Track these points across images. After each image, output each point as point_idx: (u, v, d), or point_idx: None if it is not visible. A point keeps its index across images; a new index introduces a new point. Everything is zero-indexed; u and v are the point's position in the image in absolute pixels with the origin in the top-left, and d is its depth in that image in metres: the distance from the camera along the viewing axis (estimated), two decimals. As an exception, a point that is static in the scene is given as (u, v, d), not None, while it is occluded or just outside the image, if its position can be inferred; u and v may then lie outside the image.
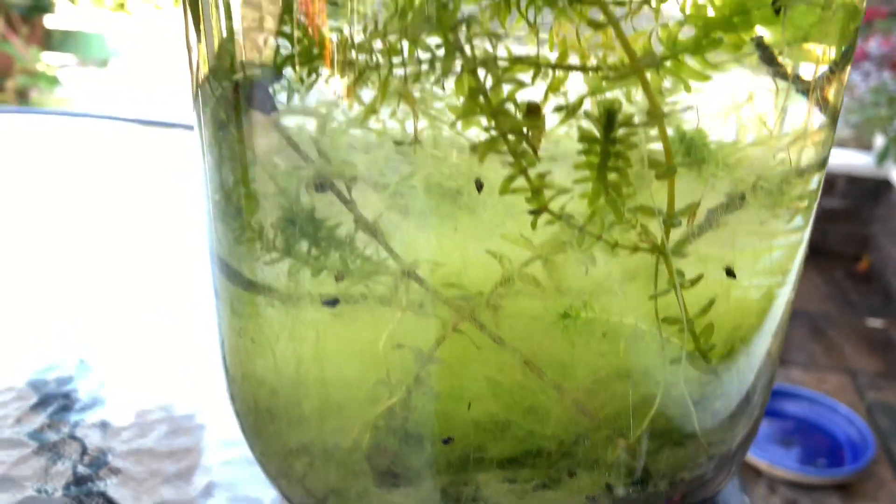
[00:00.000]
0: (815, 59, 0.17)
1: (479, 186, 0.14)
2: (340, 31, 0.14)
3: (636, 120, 0.14)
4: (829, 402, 1.48)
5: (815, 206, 0.19)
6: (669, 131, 0.14)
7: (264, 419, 0.21)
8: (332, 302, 0.17)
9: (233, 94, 0.16)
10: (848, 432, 1.42)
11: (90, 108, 2.22)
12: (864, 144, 2.39)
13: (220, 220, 0.19)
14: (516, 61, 0.13)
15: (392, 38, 0.13)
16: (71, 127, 0.64)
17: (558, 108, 0.13)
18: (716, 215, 0.16)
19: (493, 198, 0.15)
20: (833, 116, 0.18)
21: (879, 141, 2.17)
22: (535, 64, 0.14)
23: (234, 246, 0.19)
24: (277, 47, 0.14)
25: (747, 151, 0.16)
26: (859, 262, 2.25)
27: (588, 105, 0.14)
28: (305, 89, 0.14)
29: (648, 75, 0.14)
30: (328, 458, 0.20)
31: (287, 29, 0.14)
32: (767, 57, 0.16)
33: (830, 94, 0.18)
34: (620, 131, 0.13)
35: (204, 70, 0.16)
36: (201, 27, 0.16)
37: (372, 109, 0.14)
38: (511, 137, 0.13)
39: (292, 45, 0.14)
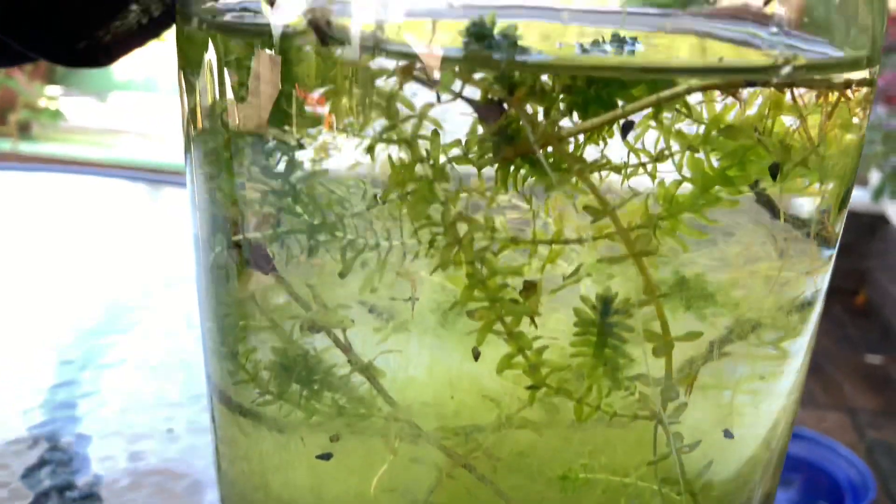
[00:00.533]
0: (814, 199, 0.17)
1: (476, 355, 0.14)
2: (342, 203, 0.14)
3: (633, 299, 0.14)
4: (830, 443, 1.47)
5: (814, 331, 0.19)
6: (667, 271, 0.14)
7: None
8: (326, 456, 0.17)
9: (233, 253, 0.16)
10: (849, 474, 1.41)
11: (91, 145, 2.23)
12: (860, 180, 2.40)
13: (215, 354, 0.19)
14: (512, 241, 0.14)
15: (391, 220, 0.13)
16: (65, 183, 0.64)
17: (554, 291, 0.13)
18: (715, 355, 0.16)
19: (489, 358, 0.15)
20: (834, 244, 0.18)
21: (875, 177, 2.18)
22: (532, 242, 0.14)
23: (227, 377, 0.19)
24: (274, 216, 0.15)
25: (747, 290, 0.16)
26: (857, 296, 2.25)
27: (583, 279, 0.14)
28: (306, 256, 0.15)
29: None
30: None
31: (278, 200, 0.14)
32: (766, 202, 0.16)
33: (831, 229, 0.18)
34: (616, 316, 0.13)
35: (202, 233, 0.16)
36: (194, 192, 0.16)
37: (370, 285, 0.14)
38: (508, 321, 0.13)
39: (289, 216, 0.14)
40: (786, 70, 0.13)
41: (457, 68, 0.12)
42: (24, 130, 1.97)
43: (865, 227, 2.23)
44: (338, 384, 0.17)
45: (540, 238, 0.14)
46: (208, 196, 0.17)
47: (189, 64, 0.16)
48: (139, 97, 2.32)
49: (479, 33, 0.12)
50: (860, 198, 2.29)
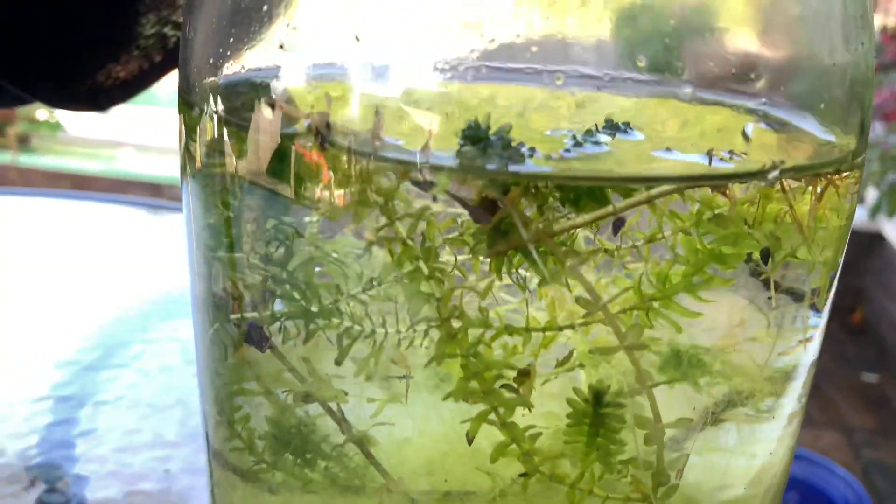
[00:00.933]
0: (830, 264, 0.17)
1: (470, 441, 0.15)
2: (336, 289, 0.14)
3: (625, 389, 0.14)
4: (826, 463, 1.47)
5: (805, 391, 0.19)
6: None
7: None
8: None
9: (231, 329, 0.16)
10: (845, 494, 1.42)
11: (90, 158, 2.23)
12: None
13: (212, 417, 0.19)
14: (506, 329, 0.14)
15: (384, 310, 0.14)
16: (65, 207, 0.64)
17: (546, 381, 0.14)
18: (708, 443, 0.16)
19: (482, 444, 0.15)
20: (824, 311, 0.18)
21: (872, 195, 2.20)
22: (525, 330, 0.14)
23: (223, 441, 0.19)
24: (270, 299, 0.15)
25: (741, 360, 0.16)
26: (853, 314, 2.26)
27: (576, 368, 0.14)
28: (302, 341, 0.15)
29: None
30: None
31: (275, 285, 0.15)
32: (759, 276, 0.16)
33: (824, 300, 0.18)
34: (608, 408, 0.14)
35: (200, 307, 0.17)
36: (194, 264, 0.17)
37: (364, 369, 0.14)
38: (502, 410, 0.14)
39: (287, 301, 0.15)
40: (773, 174, 0.13)
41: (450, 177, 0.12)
42: (23, 142, 1.97)
43: (862, 245, 2.24)
44: (330, 455, 0.17)
45: (533, 326, 0.14)
46: (204, 266, 0.17)
47: (190, 133, 0.17)
48: (139, 109, 2.33)
49: (474, 135, 0.13)
50: (857, 215, 2.30)
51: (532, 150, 0.13)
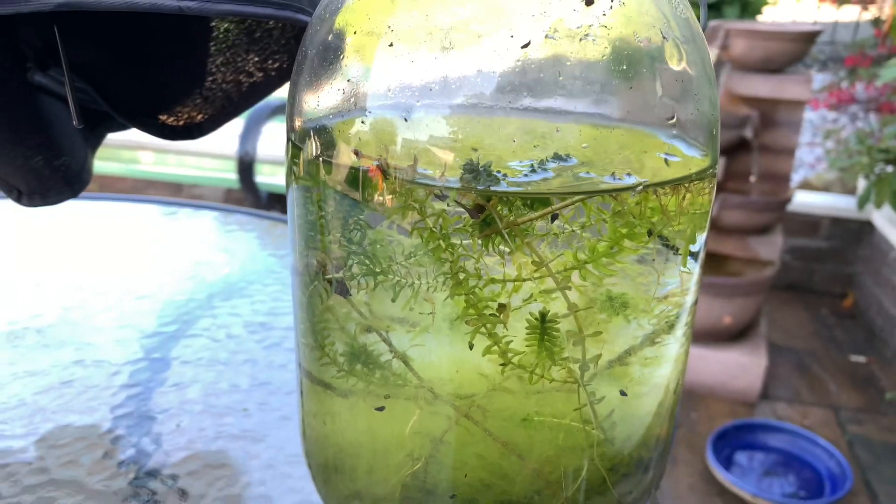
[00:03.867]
0: (690, 240, 0.27)
1: (471, 346, 0.25)
2: (390, 258, 0.24)
3: (559, 313, 0.24)
4: (811, 436, 1.57)
5: (688, 326, 0.29)
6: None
7: (330, 473, 0.31)
8: (381, 408, 0.27)
9: (325, 285, 0.26)
10: (828, 465, 1.51)
11: (110, 160, 2.33)
12: (847, 188, 2.50)
13: (305, 343, 0.29)
14: (490, 280, 0.24)
15: (416, 268, 0.24)
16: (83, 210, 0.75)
17: (515, 309, 0.24)
18: (619, 349, 0.26)
19: (480, 349, 0.25)
20: (691, 266, 0.28)
21: (862, 184, 2.28)
22: (502, 281, 0.24)
23: (314, 361, 0.29)
24: (350, 265, 0.25)
25: (641, 302, 0.26)
26: (844, 299, 2.34)
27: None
28: (370, 290, 0.25)
29: (577, 277, 0.24)
30: (373, 501, 0.30)
31: (353, 256, 0.25)
32: (663, 243, 0.26)
33: (686, 259, 0.28)
34: (548, 323, 0.24)
35: (301, 269, 0.27)
36: (294, 242, 0.27)
37: (408, 306, 0.24)
38: (489, 326, 0.24)
39: (357, 265, 0.25)
40: (639, 188, 0.23)
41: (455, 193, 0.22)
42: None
43: (852, 233, 2.33)
44: (384, 365, 0.27)
45: (507, 278, 0.24)
46: (305, 246, 0.27)
47: (293, 158, 0.27)
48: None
49: (470, 169, 0.23)
50: (847, 205, 2.39)
51: (505, 175, 0.24)
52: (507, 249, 0.24)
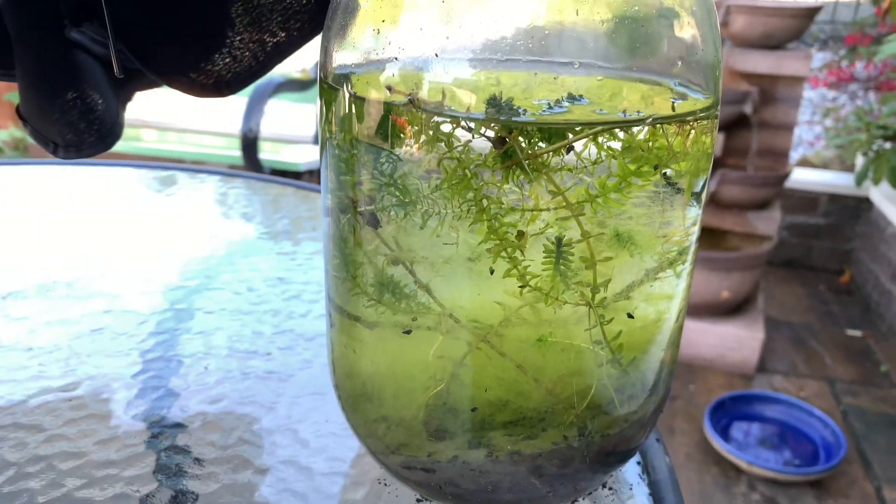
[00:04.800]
0: (694, 174, 0.29)
1: (492, 272, 0.27)
2: (417, 190, 0.27)
3: (574, 239, 0.26)
4: (806, 407, 1.60)
5: (692, 260, 0.31)
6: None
7: (358, 400, 0.33)
8: (408, 331, 0.29)
9: (354, 218, 0.28)
10: (823, 434, 1.55)
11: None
12: (845, 165, 2.52)
13: (336, 277, 0.31)
14: (511, 209, 0.26)
15: (444, 198, 0.26)
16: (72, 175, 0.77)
17: (535, 235, 0.26)
18: (627, 276, 0.28)
19: (499, 274, 0.27)
20: (698, 208, 0.30)
21: (860, 161, 2.30)
22: (521, 210, 0.26)
23: (345, 293, 0.31)
24: (381, 196, 0.27)
25: (649, 234, 0.29)
26: (842, 275, 2.37)
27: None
28: (400, 222, 0.27)
29: (587, 210, 0.26)
30: (399, 423, 0.32)
31: (384, 189, 0.27)
32: (667, 181, 0.28)
33: (690, 195, 0.30)
34: (564, 248, 0.26)
35: (332, 206, 0.29)
36: (326, 181, 0.29)
37: (435, 234, 0.27)
38: (509, 250, 0.26)
39: (387, 196, 0.27)
40: (649, 120, 0.25)
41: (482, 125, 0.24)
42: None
43: (850, 209, 2.36)
44: (410, 295, 0.29)
45: (526, 207, 0.26)
46: (337, 184, 0.29)
47: (326, 102, 0.29)
48: (160, 91, 2.45)
49: (493, 103, 0.25)
50: (845, 182, 2.41)
51: (525, 110, 0.26)
52: (527, 180, 0.26)
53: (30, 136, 0.43)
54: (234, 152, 2.34)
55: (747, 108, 1.75)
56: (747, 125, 1.78)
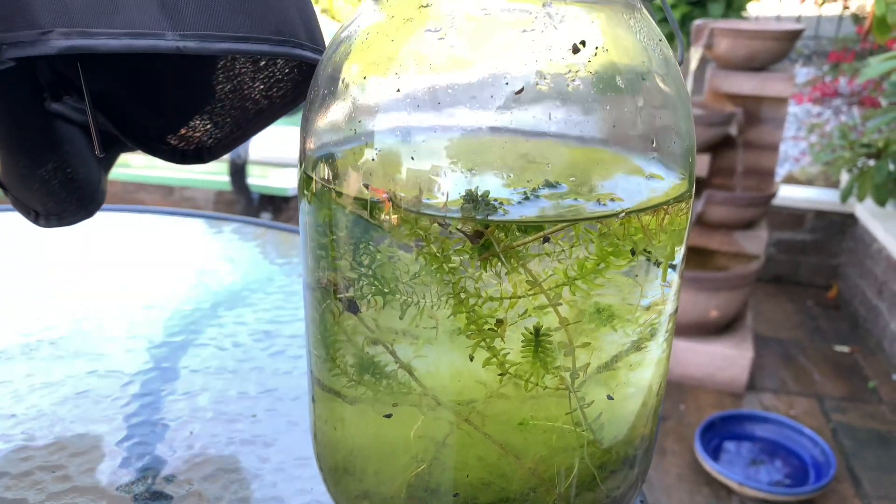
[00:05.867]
0: (669, 256, 0.30)
1: (471, 358, 0.27)
2: (396, 279, 0.27)
3: (551, 327, 0.26)
4: (795, 426, 1.61)
5: (668, 336, 0.32)
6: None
7: (340, 475, 0.33)
8: (389, 415, 0.29)
9: (335, 303, 0.29)
10: (812, 453, 1.55)
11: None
12: (830, 182, 2.54)
13: (317, 355, 0.31)
14: (489, 298, 0.26)
15: (418, 290, 0.26)
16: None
17: (512, 324, 0.26)
18: (606, 357, 0.28)
19: (479, 360, 0.27)
20: (671, 279, 0.30)
21: (845, 178, 2.32)
22: (499, 298, 0.26)
23: (326, 371, 0.31)
24: (360, 285, 0.27)
25: (626, 313, 0.29)
26: (829, 290, 2.39)
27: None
28: (379, 307, 0.27)
29: (566, 295, 0.27)
30: (380, 501, 0.32)
31: (362, 278, 0.27)
32: (646, 259, 0.29)
33: (666, 274, 0.30)
34: (542, 337, 0.26)
35: (311, 281, 0.29)
36: (307, 266, 0.29)
37: (414, 322, 0.27)
38: (488, 340, 0.26)
39: (366, 286, 0.27)
40: (622, 214, 0.26)
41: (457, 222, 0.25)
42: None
43: (836, 226, 2.37)
44: (391, 375, 0.30)
45: (504, 296, 0.26)
46: (316, 266, 0.30)
47: (305, 187, 0.29)
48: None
49: (470, 199, 0.25)
50: (831, 198, 2.43)
51: (501, 203, 0.26)
52: (504, 270, 0.26)
53: (11, 205, 0.42)
54: (223, 177, 2.34)
55: (732, 130, 1.76)
56: (732, 146, 1.80)
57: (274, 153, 2.71)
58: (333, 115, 0.28)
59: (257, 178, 2.34)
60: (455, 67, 0.25)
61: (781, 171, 2.81)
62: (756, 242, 1.83)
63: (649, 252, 0.28)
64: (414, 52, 0.26)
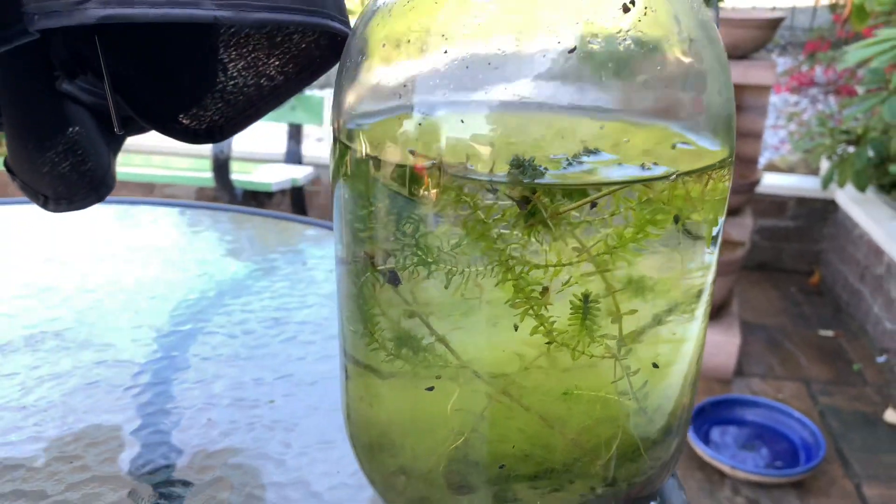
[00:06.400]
0: (712, 223, 0.29)
1: (516, 328, 0.27)
2: (439, 249, 0.26)
3: (599, 294, 0.26)
4: (785, 409, 1.63)
5: (707, 305, 0.31)
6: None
7: (375, 451, 0.33)
8: (430, 388, 0.29)
9: (373, 275, 0.28)
10: (802, 435, 1.57)
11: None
12: (811, 169, 2.58)
13: (352, 330, 0.31)
14: (536, 266, 0.26)
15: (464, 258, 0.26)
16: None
17: (558, 291, 0.26)
18: (651, 325, 0.28)
19: (523, 330, 0.27)
20: (718, 246, 0.30)
21: (825, 165, 2.35)
22: (546, 266, 0.26)
23: (362, 346, 0.31)
24: (403, 256, 0.27)
25: (670, 282, 0.29)
26: (811, 276, 2.42)
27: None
28: (421, 279, 0.27)
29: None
30: (417, 476, 0.32)
31: (406, 248, 0.27)
32: (689, 227, 0.28)
33: (710, 241, 0.30)
34: (591, 303, 0.26)
35: (347, 256, 0.28)
36: (341, 234, 0.28)
37: (459, 292, 0.26)
38: (535, 308, 0.26)
39: (410, 256, 0.27)
40: (672, 177, 0.25)
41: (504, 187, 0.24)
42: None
43: (818, 212, 2.40)
44: (429, 349, 0.29)
45: (550, 264, 0.26)
46: (353, 239, 0.29)
47: (341, 156, 0.29)
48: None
49: (516, 164, 0.25)
50: (812, 185, 2.46)
51: (546, 168, 0.26)
52: (551, 237, 0.26)
53: (19, 189, 0.41)
54: (205, 174, 2.31)
55: (716, 117, 1.77)
56: (716, 133, 1.81)
57: (257, 148, 2.68)
58: (373, 81, 0.27)
59: (240, 174, 2.32)
60: (503, 27, 0.25)
61: (762, 160, 2.84)
62: (741, 229, 1.85)
63: (694, 218, 0.28)
64: (460, 12, 0.25)
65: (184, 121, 0.42)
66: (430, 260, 0.27)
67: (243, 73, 0.41)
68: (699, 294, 0.30)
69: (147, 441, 0.41)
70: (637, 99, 0.27)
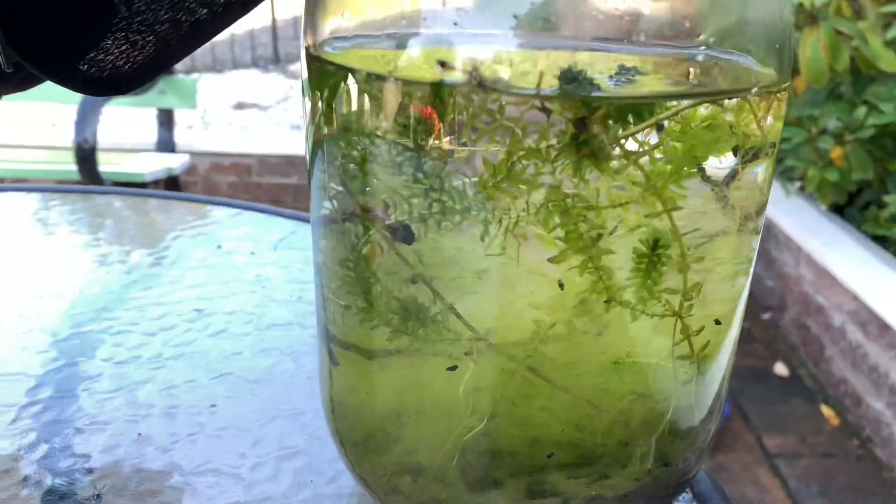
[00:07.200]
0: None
1: (561, 286, 0.22)
2: (466, 193, 0.21)
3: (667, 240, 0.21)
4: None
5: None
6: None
7: (370, 449, 0.27)
8: (453, 367, 0.23)
9: (379, 232, 0.22)
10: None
11: None
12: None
13: (342, 306, 0.25)
14: (593, 207, 0.21)
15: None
16: None
17: (620, 237, 0.21)
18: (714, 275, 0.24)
19: (570, 289, 0.22)
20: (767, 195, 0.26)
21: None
22: (603, 208, 0.21)
23: (355, 324, 0.24)
24: (425, 203, 0.21)
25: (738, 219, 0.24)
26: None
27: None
28: (442, 231, 0.21)
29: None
30: (424, 474, 0.26)
31: (427, 194, 0.21)
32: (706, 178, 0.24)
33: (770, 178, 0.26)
34: (660, 249, 0.21)
35: (332, 214, 0.22)
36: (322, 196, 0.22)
37: (501, 246, 0.21)
38: (595, 258, 0.21)
39: (433, 202, 0.21)
40: (749, 92, 0.21)
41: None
42: None
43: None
44: (441, 321, 0.23)
45: (612, 203, 0.21)
46: (345, 192, 0.23)
47: (321, 85, 0.22)
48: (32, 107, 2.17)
49: (568, 76, 0.20)
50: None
51: (599, 85, 0.20)
52: (608, 170, 0.21)
53: None
54: (67, 166, 2.10)
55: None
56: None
57: (124, 137, 2.49)
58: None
59: (109, 165, 2.12)
60: None
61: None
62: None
63: (758, 147, 0.23)
64: None
65: (82, 67, 0.33)
66: (458, 207, 0.21)
67: (153, 7, 0.33)
68: (755, 237, 0.26)
69: (60, 469, 0.32)
70: (691, 23, 0.22)
